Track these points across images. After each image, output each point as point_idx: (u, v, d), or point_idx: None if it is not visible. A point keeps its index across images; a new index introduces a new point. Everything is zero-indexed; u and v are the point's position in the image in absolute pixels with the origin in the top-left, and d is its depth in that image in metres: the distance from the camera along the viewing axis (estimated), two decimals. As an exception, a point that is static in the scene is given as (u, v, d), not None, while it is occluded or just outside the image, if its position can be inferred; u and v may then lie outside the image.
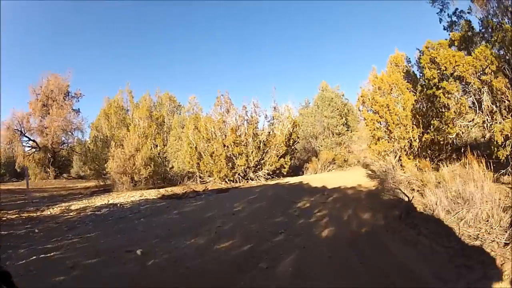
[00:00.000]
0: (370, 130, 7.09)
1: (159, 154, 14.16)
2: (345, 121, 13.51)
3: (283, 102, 12.72)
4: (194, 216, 6.14)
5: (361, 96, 7.88)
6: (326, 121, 13.66)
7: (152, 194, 9.56)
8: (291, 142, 12.13)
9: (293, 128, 12.00)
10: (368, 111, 7.45)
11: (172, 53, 48.89)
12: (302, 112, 17.34)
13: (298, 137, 12.37)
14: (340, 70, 45.52)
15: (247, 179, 12.03)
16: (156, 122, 15.85)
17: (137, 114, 14.79)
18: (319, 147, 14.06)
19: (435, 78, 5.40)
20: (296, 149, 13.10)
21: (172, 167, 14.34)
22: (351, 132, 13.88)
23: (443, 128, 5.79)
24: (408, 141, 6.66)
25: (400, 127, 6.70)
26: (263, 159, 11.91)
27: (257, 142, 11.98)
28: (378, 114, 6.84)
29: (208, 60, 51.91)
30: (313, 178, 10.84)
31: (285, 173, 12.06)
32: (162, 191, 10.37)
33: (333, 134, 13.53)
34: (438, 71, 5.36)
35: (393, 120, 6.60)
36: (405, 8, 37.79)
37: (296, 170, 14.00)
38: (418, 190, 5.22)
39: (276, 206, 6.31)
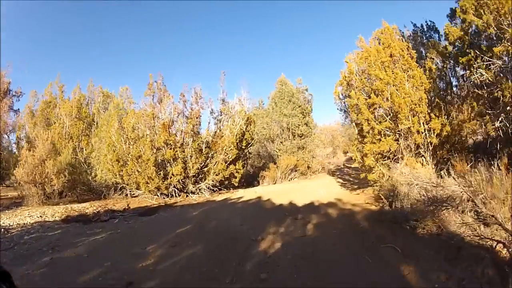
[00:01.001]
0: (365, 120, 4.71)
1: (85, 159, 10.52)
2: (308, 121, 11.39)
3: (235, 94, 9.90)
4: (61, 281, 2.82)
5: (347, 75, 5.54)
6: (286, 120, 11.31)
7: (57, 213, 6.74)
8: (244, 144, 9.32)
9: (247, 126, 9.24)
10: (361, 94, 5.09)
11: (116, 44, 42.09)
12: (256, 113, 14.87)
13: (252, 138, 9.63)
14: (301, 66, 44.61)
15: (187, 192, 8.79)
16: (85, 121, 11.90)
17: (63, 111, 11.32)
18: (276, 151, 11.59)
19: (490, 26, 3.22)
20: (250, 153, 10.34)
21: (96, 175, 10.37)
22: (314, 134, 11.81)
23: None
24: (422, 137, 4.45)
25: (409, 117, 4.47)
26: (206, 166, 8.80)
27: (198, 144, 8.84)
28: (382, 95, 4.52)
29: (151, 54, 46.40)
30: (273, 190, 8.18)
31: (236, 184, 9.15)
32: (70, 208, 7.06)
33: (294, 136, 11.22)
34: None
35: (405, 104, 4.32)
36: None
37: (250, 179, 11.22)
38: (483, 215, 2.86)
39: (221, 254, 3.31)
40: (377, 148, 4.68)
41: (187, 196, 8.80)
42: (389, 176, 4.39)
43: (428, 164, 4.21)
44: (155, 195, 8.58)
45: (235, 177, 8.87)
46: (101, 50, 41.10)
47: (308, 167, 10.40)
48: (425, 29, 5.65)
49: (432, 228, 3.06)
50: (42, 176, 8.47)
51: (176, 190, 8.67)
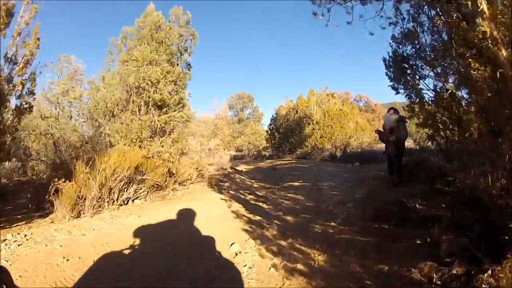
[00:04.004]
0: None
1: None
2: (179, 78, 5.67)
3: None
4: None
5: None
6: (137, 74, 5.41)
7: None
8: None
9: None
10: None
11: None
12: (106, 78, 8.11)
13: (30, 80, 3.13)
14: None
15: None
16: None
17: None
18: (115, 136, 5.52)
19: None
20: (17, 130, 3.82)
21: None
22: (187, 105, 6.22)
23: None
24: None
25: None
26: None
27: None
28: None
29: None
30: None
31: None
32: None
33: (147, 106, 5.43)
34: None
35: None
36: None
37: (42, 199, 4.70)
38: None
39: None
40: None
41: None
42: None
43: None
44: None
45: None
46: None
47: (171, 174, 4.90)
48: None
49: None
50: None
51: None
